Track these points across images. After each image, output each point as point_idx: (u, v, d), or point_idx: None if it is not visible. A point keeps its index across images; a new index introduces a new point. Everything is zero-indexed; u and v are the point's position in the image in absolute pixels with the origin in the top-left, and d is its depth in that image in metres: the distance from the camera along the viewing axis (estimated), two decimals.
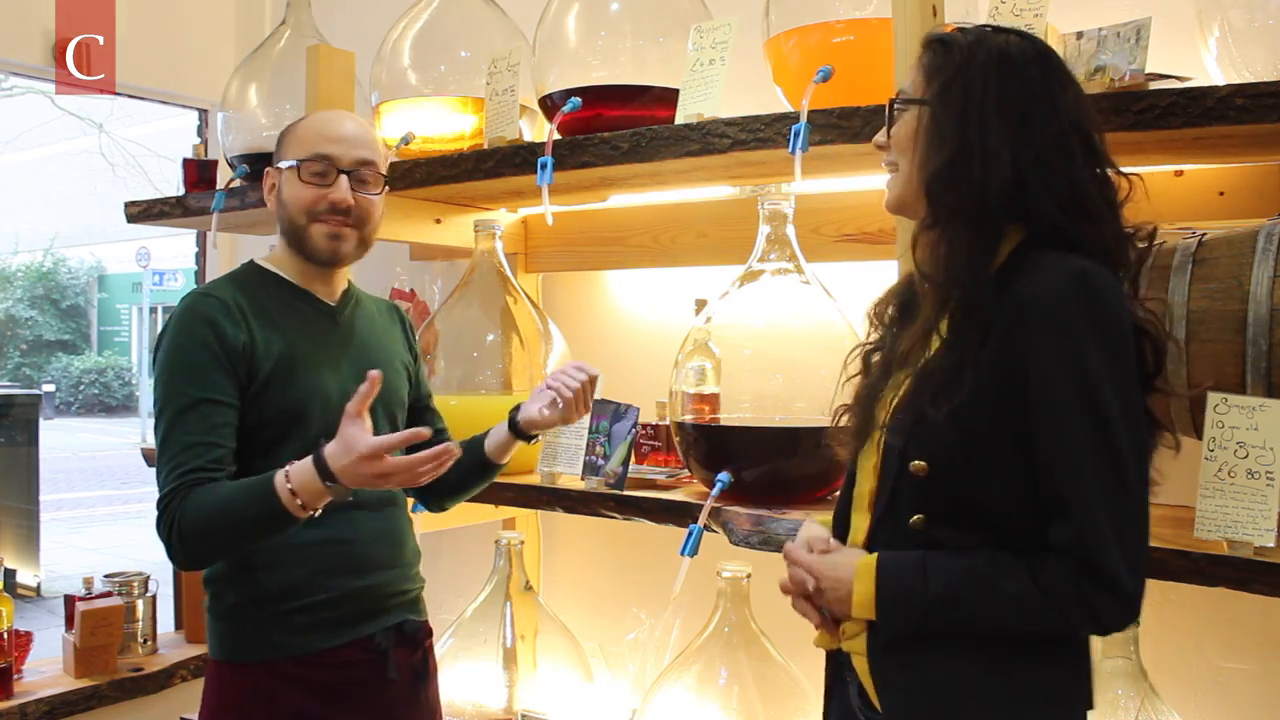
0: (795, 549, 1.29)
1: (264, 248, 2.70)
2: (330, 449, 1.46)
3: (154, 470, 1.58)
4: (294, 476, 1.46)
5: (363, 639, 1.64)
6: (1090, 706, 1.24)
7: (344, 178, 1.64)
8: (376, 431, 1.64)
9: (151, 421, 1.64)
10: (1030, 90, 1.19)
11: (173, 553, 1.52)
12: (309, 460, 1.46)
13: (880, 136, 1.32)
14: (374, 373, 1.47)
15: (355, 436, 1.44)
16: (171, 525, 1.49)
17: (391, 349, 1.79)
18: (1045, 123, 1.18)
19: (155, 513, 1.53)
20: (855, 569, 1.21)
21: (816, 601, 1.26)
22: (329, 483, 1.45)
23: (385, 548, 1.69)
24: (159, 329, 1.62)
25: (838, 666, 1.31)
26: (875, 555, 1.21)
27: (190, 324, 1.57)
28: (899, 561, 1.20)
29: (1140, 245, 1.24)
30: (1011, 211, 1.19)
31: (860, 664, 1.25)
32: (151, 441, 1.67)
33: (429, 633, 1.79)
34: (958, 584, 1.15)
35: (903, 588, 1.18)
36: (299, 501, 1.46)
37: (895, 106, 1.29)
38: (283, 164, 1.67)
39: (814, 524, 1.36)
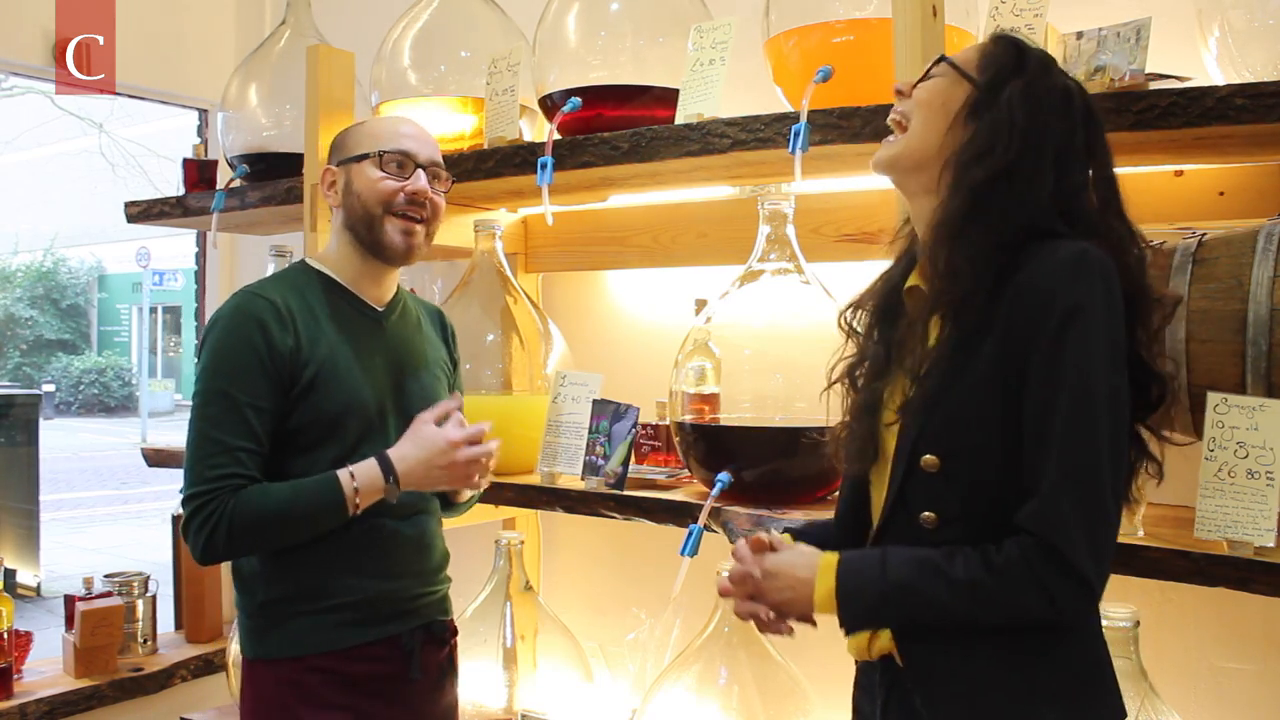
0: (744, 548, 1.28)
1: (264, 248, 2.72)
2: (400, 450, 1.62)
3: (158, 468, 1.60)
4: (358, 475, 1.59)
5: (390, 638, 1.68)
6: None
7: (421, 171, 1.69)
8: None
9: (152, 421, 1.66)
10: (1073, 136, 1.20)
11: (210, 548, 1.56)
12: (371, 461, 1.60)
13: (904, 84, 1.29)
14: (456, 394, 1.72)
15: (434, 430, 1.63)
16: (216, 524, 1.54)
17: (432, 355, 1.81)
18: (1076, 170, 1.20)
19: (187, 508, 1.57)
20: (817, 567, 1.21)
21: (770, 600, 1.24)
22: (389, 481, 1.59)
23: (413, 553, 1.72)
24: (207, 324, 1.65)
25: (895, 675, 1.26)
26: (838, 554, 1.21)
27: (239, 325, 1.59)
28: (861, 556, 1.20)
29: (1162, 312, 1.23)
30: (1030, 231, 1.18)
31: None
32: (152, 442, 1.68)
33: (454, 631, 1.81)
34: (913, 573, 1.15)
35: (862, 579, 1.18)
36: (357, 500, 1.58)
37: (937, 66, 1.26)
38: (352, 158, 1.69)
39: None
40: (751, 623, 1.29)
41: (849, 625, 1.21)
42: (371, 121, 1.77)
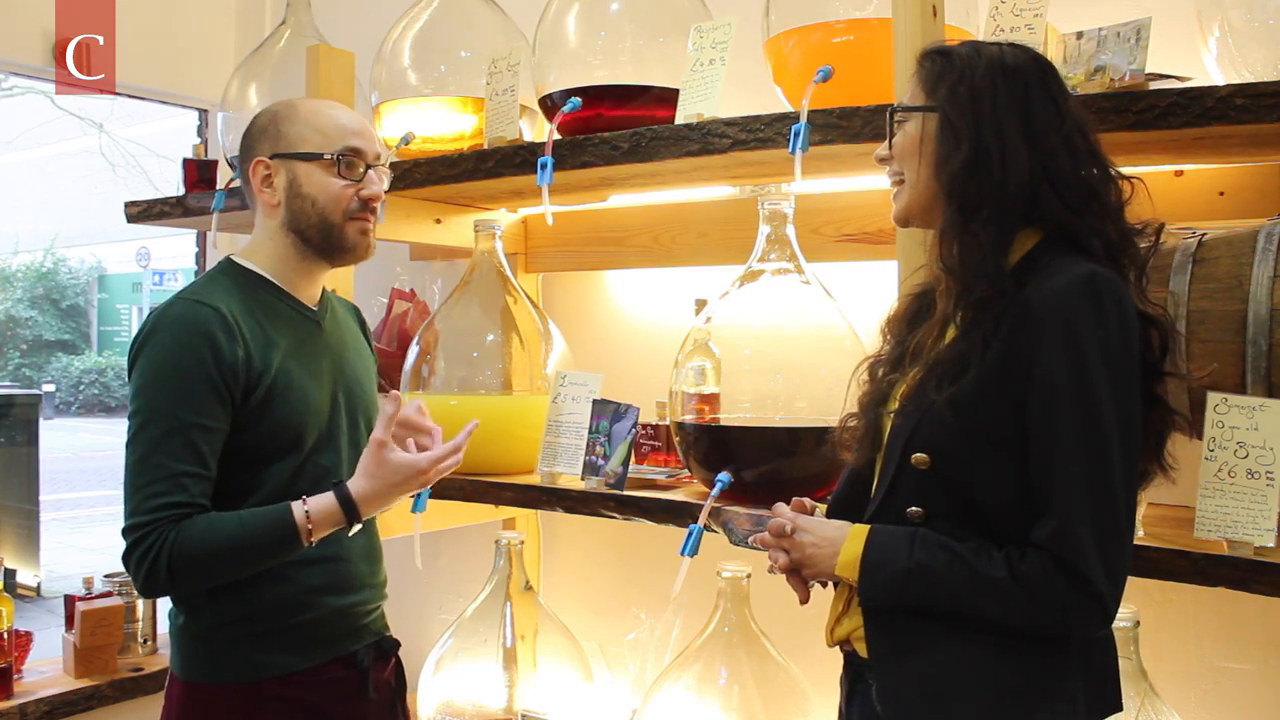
0: (783, 506, 1.35)
1: None
2: (361, 486, 1.50)
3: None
4: (314, 513, 1.49)
5: (345, 656, 1.63)
6: (1114, 709, 1.25)
7: (372, 171, 1.62)
8: (356, 438, 1.67)
9: None
10: (1032, 94, 1.22)
11: (151, 583, 1.45)
12: (330, 496, 1.50)
13: (882, 150, 1.34)
14: (394, 395, 1.53)
15: (402, 461, 1.50)
16: (156, 557, 1.43)
17: (364, 354, 1.78)
18: (1051, 125, 1.21)
19: (128, 539, 1.45)
20: (848, 532, 1.25)
21: (794, 555, 1.29)
22: (350, 516, 1.50)
23: (367, 565, 1.69)
24: (139, 329, 1.53)
25: (858, 669, 1.31)
26: (870, 525, 1.25)
27: (186, 338, 1.48)
28: (891, 531, 1.23)
29: (1147, 241, 1.26)
30: (1024, 212, 1.20)
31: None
32: None
33: (399, 645, 1.77)
34: (941, 560, 1.17)
35: (888, 552, 1.20)
36: (310, 538, 1.50)
37: (896, 117, 1.31)
38: (296, 154, 1.59)
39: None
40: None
41: (867, 595, 1.23)
42: (305, 110, 1.62)
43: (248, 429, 1.52)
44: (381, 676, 1.70)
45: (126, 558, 1.47)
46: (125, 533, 1.47)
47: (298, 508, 1.49)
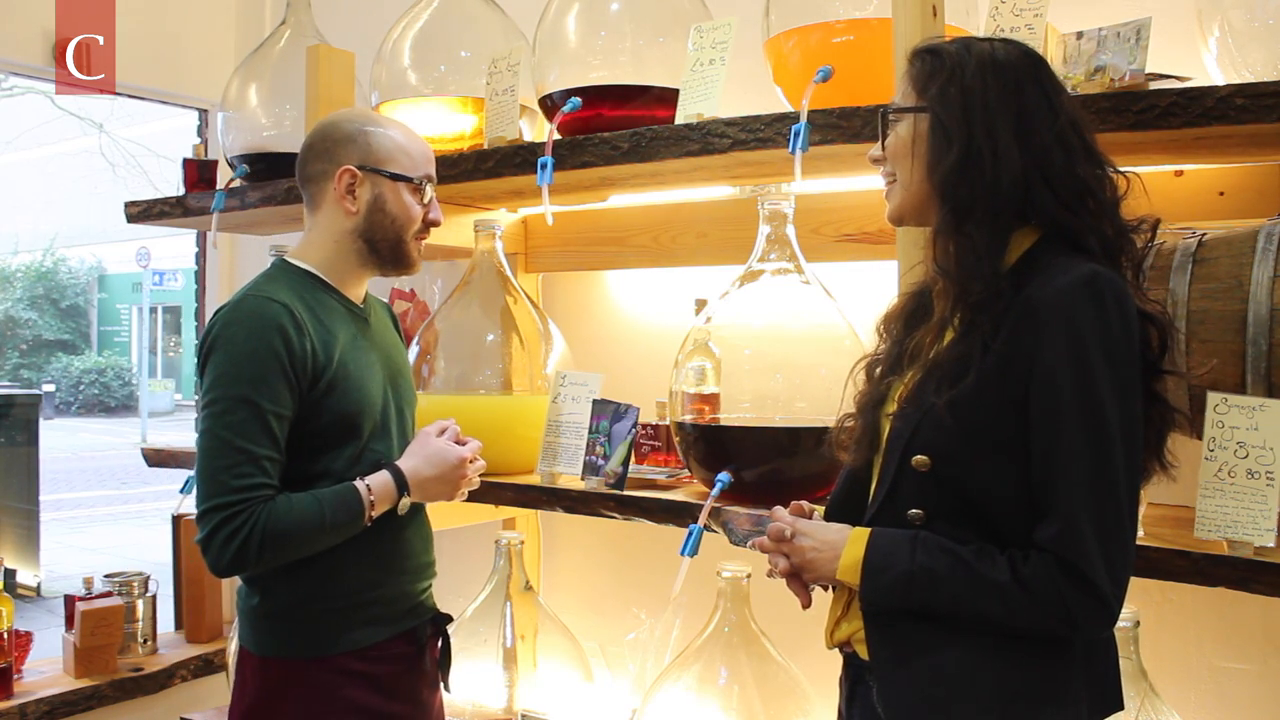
0: (783, 510, 1.34)
1: (264, 248, 2.72)
2: (411, 463, 1.68)
3: (158, 468, 1.57)
4: (374, 488, 1.63)
5: (406, 632, 1.72)
6: (1116, 708, 1.25)
7: (434, 197, 1.75)
8: (404, 428, 1.78)
9: (152, 421, 1.63)
10: (1024, 91, 1.21)
11: (240, 560, 1.53)
12: (385, 475, 1.65)
13: (875, 151, 1.34)
14: (460, 435, 1.77)
15: (444, 444, 1.70)
16: (249, 535, 1.51)
17: (402, 349, 1.86)
18: (1043, 122, 1.20)
19: (209, 519, 1.52)
20: (849, 535, 1.24)
21: (795, 560, 1.28)
22: (402, 496, 1.65)
23: (422, 544, 1.78)
24: (208, 327, 1.61)
25: (859, 671, 1.31)
26: (870, 528, 1.24)
27: (260, 330, 1.57)
28: (893, 534, 1.22)
29: (1143, 237, 1.25)
30: (1019, 211, 1.20)
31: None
32: (152, 442, 1.66)
33: (450, 619, 1.85)
34: (943, 563, 1.17)
35: (890, 556, 1.20)
36: (372, 512, 1.63)
37: (889, 117, 1.31)
38: (387, 173, 1.68)
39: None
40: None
41: (869, 599, 1.23)
42: (390, 128, 1.72)
43: (311, 419, 1.61)
44: (433, 652, 1.78)
45: (209, 538, 1.53)
46: (208, 513, 1.53)
47: (361, 485, 1.62)
